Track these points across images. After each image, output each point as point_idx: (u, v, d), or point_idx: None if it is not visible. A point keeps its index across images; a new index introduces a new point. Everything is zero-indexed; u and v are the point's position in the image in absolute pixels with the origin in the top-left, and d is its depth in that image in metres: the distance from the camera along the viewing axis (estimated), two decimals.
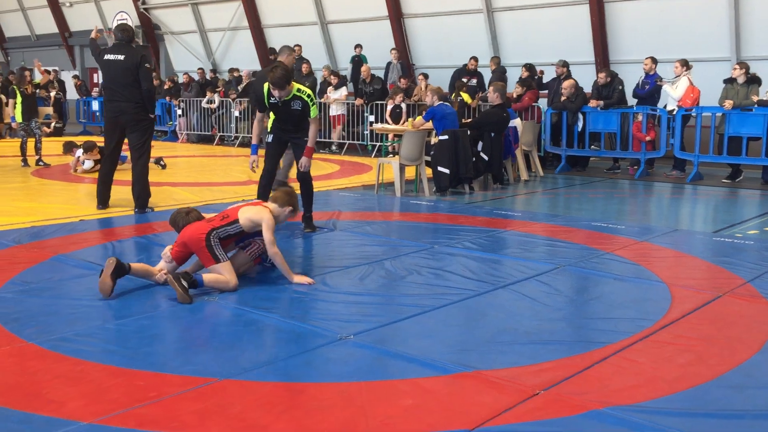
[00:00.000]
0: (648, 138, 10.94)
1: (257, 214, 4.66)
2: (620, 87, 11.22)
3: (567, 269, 5.19)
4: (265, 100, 6.10)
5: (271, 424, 2.75)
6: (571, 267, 5.25)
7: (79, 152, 10.73)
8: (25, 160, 11.33)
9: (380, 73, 15.34)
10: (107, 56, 7.19)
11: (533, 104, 11.75)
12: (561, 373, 3.26)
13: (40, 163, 11.33)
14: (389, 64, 15.42)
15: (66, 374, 3.22)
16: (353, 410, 2.87)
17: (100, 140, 10.01)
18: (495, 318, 4.11)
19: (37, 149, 11.40)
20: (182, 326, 3.93)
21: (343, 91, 14.74)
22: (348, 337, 3.70)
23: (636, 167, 11.20)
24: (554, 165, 11.90)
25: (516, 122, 10.27)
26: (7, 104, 17.55)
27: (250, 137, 16.91)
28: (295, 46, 16.48)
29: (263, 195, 6.29)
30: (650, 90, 11.08)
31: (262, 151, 6.49)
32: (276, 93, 5.87)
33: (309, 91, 6.08)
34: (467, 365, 3.34)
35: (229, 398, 2.98)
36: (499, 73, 13.07)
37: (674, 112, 10.68)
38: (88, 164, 10.52)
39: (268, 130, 6.45)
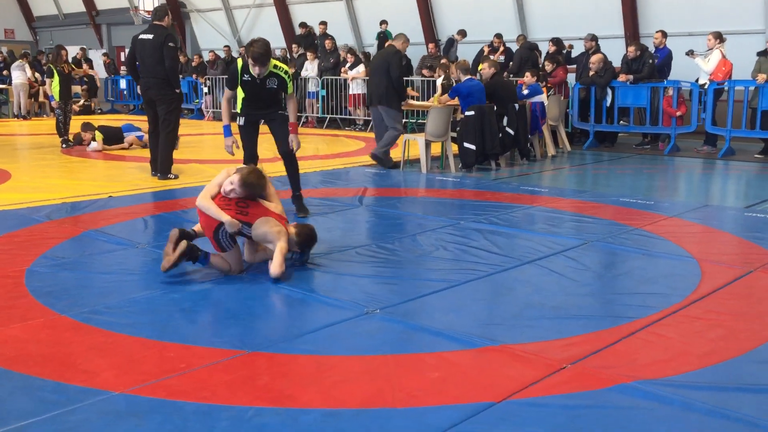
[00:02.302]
0: (679, 113, 10.75)
1: (275, 235, 4.29)
2: (651, 61, 11.02)
3: (594, 245, 5.15)
4: (239, 77, 5.65)
5: (299, 395, 2.78)
6: (599, 242, 5.21)
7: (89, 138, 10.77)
8: (66, 140, 11.30)
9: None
10: (141, 36, 7.89)
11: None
12: (588, 347, 3.24)
13: (65, 143, 11.31)
14: (452, 40, 15.06)
15: (98, 346, 3.29)
16: (380, 382, 2.89)
17: (98, 119, 10.32)
18: (522, 293, 4.09)
19: (65, 128, 11.44)
20: (211, 300, 3.98)
21: (360, 69, 14.62)
22: (374, 311, 3.72)
23: (666, 142, 11.03)
24: (582, 141, 11.76)
25: (542, 97, 10.16)
26: (43, 83, 17.85)
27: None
28: (320, 23, 16.47)
29: None
30: (660, 63, 10.90)
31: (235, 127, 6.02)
32: (255, 70, 5.47)
33: (285, 67, 5.75)
34: (494, 339, 3.34)
35: (257, 370, 3.02)
36: (526, 49, 12.89)
37: (706, 86, 10.47)
38: (94, 145, 10.59)
39: (239, 111, 5.96)
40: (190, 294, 4.05)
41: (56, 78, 11.31)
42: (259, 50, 5.35)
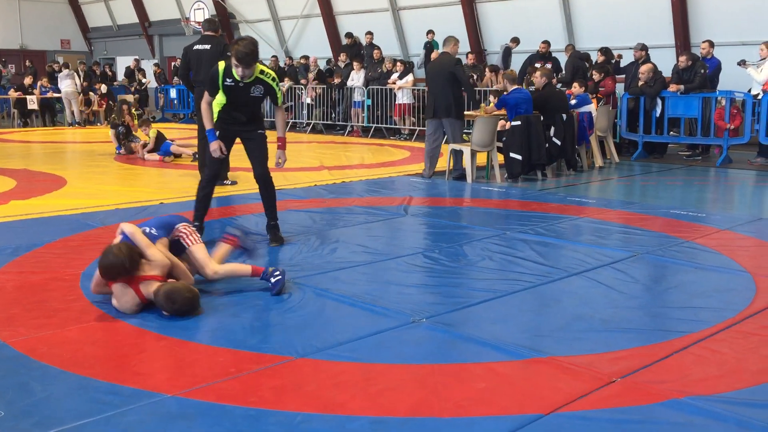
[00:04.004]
0: (731, 126, 10.50)
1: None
2: (702, 71, 10.81)
3: (644, 257, 5.06)
4: (219, 81, 5.06)
5: (346, 402, 2.80)
6: (649, 255, 5.12)
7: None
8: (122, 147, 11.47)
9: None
10: (196, 47, 8.02)
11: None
12: (638, 361, 3.19)
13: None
14: (508, 48, 15.03)
15: (150, 349, 3.36)
16: (426, 392, 2.89)
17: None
18: (569, 305, 4.05)
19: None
20: (259, 306, 4.03)
21: (409, 78, 14.67)
22: (420, 320, 3.72)
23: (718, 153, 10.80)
24: (630, 152, 11.58)
25: (591, 107, 10.04)
26: (94, 92, 18.37)
27: (322, 124, 17.02)
28: (367, 33, 16.60)
29: (200, 203, 5.39)
30: (709, 74, 10.67)
31: None
32: (239, 72, 4.92)
33: (273, 74, 5.16)
34: (541, 351, 3.31)
35: (305, 376, 3.05)
36: (577, 59, 12.77)
37: (759, 97, 10.22)
38: (150, 155, 10.76)
39: (213, 121, 5.28)
40: (238, 300, 4.11)
41: (115, 132, 11.43)
42: (245, 49, 4.81)
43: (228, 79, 5.04)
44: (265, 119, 13.13)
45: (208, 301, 4.02)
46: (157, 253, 3.92)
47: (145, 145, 10.91)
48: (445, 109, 8.93)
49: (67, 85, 17.75)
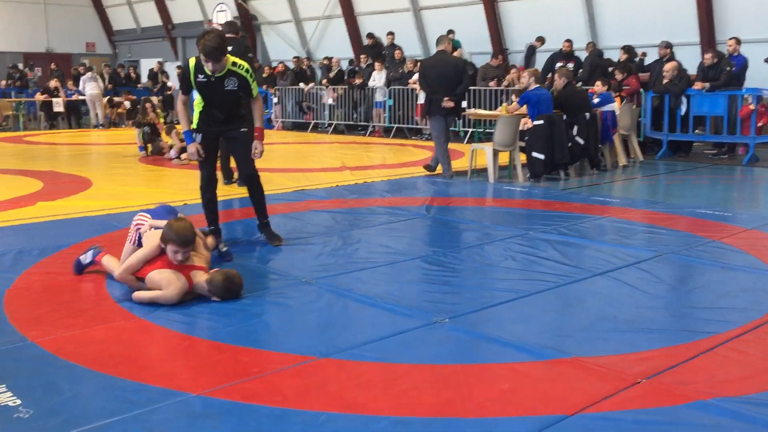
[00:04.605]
0: (760, 123, 10.35)
1: (163, 284, 3.97)
2: (728, 68, 10.67)
3: (669, 257, 5.01)
4: (191, 78, 4.92)
5: (369, 402, 2.80)
6: (674, 255, 5.06)
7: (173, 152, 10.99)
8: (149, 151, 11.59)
9: (474, 59, 15.20)
10: None
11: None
12: (664, 362, 3.16)
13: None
14: (532, 47, 14.90)
15: (175, 348, 3.40)
16: (450, 392, 2.89)
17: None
18: (593, 305, 4.02)
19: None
20: (282, 306, 4.05)
21: None
22: (443, 320, 3.72)
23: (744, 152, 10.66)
24: (654, 150, 11.46)
25: (614, 106, 9.96)
26: (118, 94, 18.58)
27: (343, 125, 17.10)
28: (388, 33, 16.61)
29: (208, 209, 5.31)
30: (736, 71, 10.51)
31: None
32: (209, 67, 4.78)
33: (247, 66, 5.00)
34: (565, 351, 3.29)
35: (328, 376, 3.06)
36: (596, 57, 12.68)
37: None
38: (172, 153, 10.84)
39: (194, 125, 5.16)
40: (261, 300, 4.13)
41: (140, 132, 11.57)
42: (212, 43, 4.64)
43: (200, 75, 4.89)
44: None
45: (231, 302, 4.05)
46: (203, 245, 4.05)
47: (171, 147, 11.01)
48: (440, 108, 8.92)
49: (92, 87, 17.98)
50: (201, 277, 4.07)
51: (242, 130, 5.21)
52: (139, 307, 3.94)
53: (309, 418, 2.67)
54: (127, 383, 2.97)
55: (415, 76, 14.76)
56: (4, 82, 20.43)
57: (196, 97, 5.17)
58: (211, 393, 2.87)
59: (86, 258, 4.57)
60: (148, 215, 4.44)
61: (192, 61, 4.94)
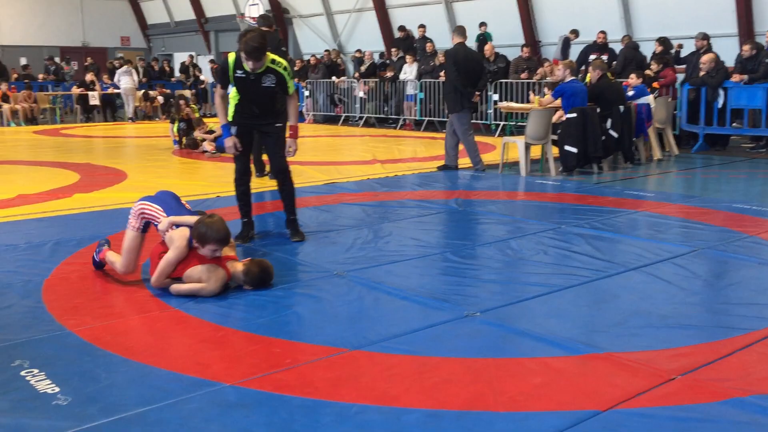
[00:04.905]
0: None
1: (204, 277, 4.04)
2: (767, 60, 10.44)
3: (705, 252, 4.93)
4: (231, 73, 4.99)
5: (401, 395, 2.81)
6: (710, 250, 4.98)
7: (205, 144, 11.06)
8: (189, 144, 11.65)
9: (506, 51, 15.08)
10: None
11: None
12: (699, 358, 3.12)
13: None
14: (567, 39, 14.65)
15: (209, 339, 3.44)
16: (481, 385, 2.89)
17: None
18: (627, 300, 3.98)
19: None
20: (313, 298, 4.07)
21: None
22: (475, 314, 3.71)
23: None
24: (690, 144, 11.27)
25: (649, 99, 9.81)
26: (153, 88, 18.79)
27: (374, 118, 17.04)
28: (419, 26, 16.55)
29: (242, 200, 5.37)
30: None
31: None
32: (249, 65, 4.85)
33: (285, 63, 5.06)
34: (598, 346, 3.26)
35: (360, 368, 3.07)
36: (631, 49, 12.49)
37: None
38: (207, 146, 10.91)
39: (229, 118, 5.23)
40: (292, 292, 4.16)
41: (176, 125, 11.67)
42: (254, 43, 4.71)
43: (239, 71, 4.95)
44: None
45: (263, 294, 4.09)
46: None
47: (204, 141, 11.11)
48: (471, 102, 8.88)
49: (126, 81, 18.23)
50: (236, 267, 4.14)
51: (277, 125, 5.25)
52: (173, 297, 4.00)
53: (341, 410, 2.69)
54: (162, 372, 3.02)
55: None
56: (41, 76, 20.79)
57: (232, 90, 5.23)
58: (244, 383, 2.91)
59: (96, 255, 4.52)
60: (152, 203, 4.34)
61: (231, 57, 4.98)
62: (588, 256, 4.86)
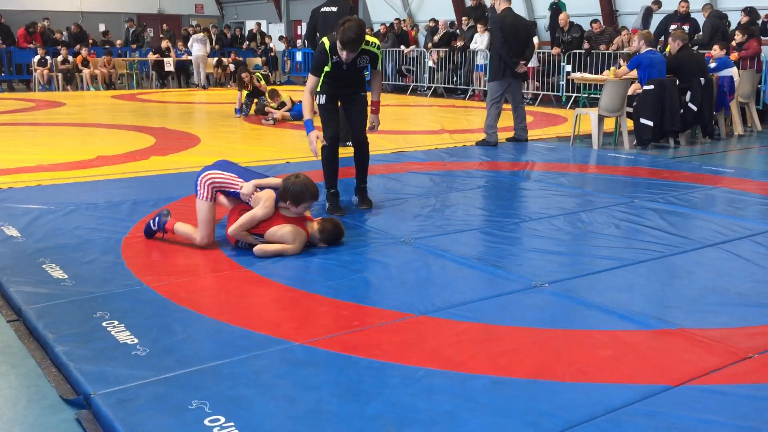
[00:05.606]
0: None
1: (290, 238, 4.20)
2: None
3: None
4: (329, 59, 4.97)
5: (467, 360, 2.82)
6: None
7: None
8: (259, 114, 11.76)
9: (580, 21, 14.66)
10: (323, 9, 8.02)
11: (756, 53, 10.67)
12: None
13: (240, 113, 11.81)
14: (649, 10, 14.23)
15: (279, 299, 3.52)
16: (549, 355, 2.87)
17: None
18: (702, 276, 3.87)
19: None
20: (381, 264, 4.10)
21: (534, 41, 14.18)
22: (543, 285, 3.67)
23: None
24: None
25: (732, 71, 9.40)
26: (226, 55, 19.05)
27: (443, 88, 16.85)
28: None
29: (331, 168, 5.36)
30: None
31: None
32: (344, 55, 4.85)
33: (378, 42, 5.07)
34: (670, 322, 3.19)
35: (426, 333, 3.09)
36: (716, 18, 11.96)
37: None
38: (274, 114, 10.96)
39: (318, 90, 5.20)
40: (361, 257, 4.21)
41: (244, 93, 11.73)
42: (352, 34, 4.70)
43: (334, 57, 4.95)
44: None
45: (333, 258, 4.15)
46: None
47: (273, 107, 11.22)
48: (514, 72, 8.59)
49: (198, 49, 18.53)
50: (313, 227, 4.33)
51: (362, 94, 5.36)
52: (244, 257, 4.10)
53: (407, 372, 2.72)
54: (235, 329, 3.11)
55: None
56: (119, 42, 21.35)
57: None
58: (313, 343, 2.97)
59: (155, 224, 4.53)
60: (221, 171, 4.40)
61: (327, 44, 4.94)
62: (662, 231, 4.73)
